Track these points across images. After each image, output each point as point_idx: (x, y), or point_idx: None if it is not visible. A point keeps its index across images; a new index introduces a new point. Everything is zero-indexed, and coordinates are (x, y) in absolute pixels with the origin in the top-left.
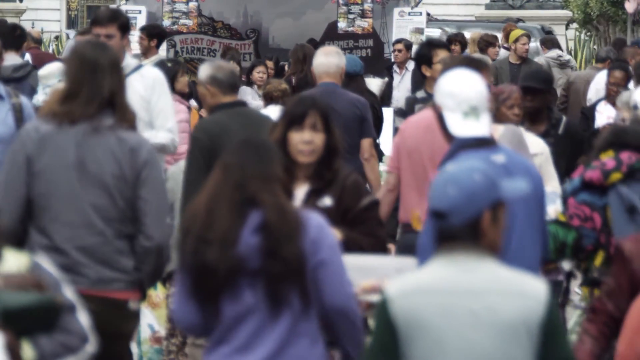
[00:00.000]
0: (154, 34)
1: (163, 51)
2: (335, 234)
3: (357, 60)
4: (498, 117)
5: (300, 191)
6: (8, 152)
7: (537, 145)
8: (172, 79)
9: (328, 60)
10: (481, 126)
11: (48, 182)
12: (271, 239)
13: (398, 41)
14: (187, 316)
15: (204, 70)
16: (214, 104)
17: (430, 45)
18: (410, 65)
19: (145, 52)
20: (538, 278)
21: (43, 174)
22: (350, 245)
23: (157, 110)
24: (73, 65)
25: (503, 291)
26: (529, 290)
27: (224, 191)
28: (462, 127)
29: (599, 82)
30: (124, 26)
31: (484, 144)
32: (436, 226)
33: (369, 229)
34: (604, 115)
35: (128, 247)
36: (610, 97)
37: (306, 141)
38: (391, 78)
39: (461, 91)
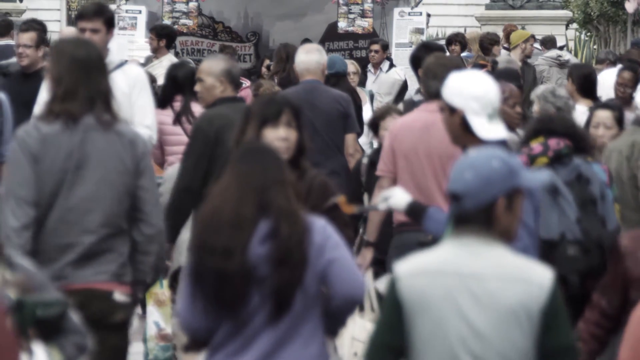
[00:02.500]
0: (163, 34)
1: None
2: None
3: (343, 61)
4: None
5: None
6: (11, 153)
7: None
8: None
9: (309, 58)
10: (503, 128)
11: (50, 181)
12: (281, 247)
13: (374, 42)
14: (193, 321)
15: (218, 64)
16: (219, 97)
17: (426, 47)
18: (385, 65)
19: (155, 52)
20: (544, 266)
21: (46, 173)
22: None
23: (137, 107)
24: (62, 64)
25: (506, 276)
26: (533, 276)
27: (246, 197)
28: (490, 130)
29: (602, 83)
30: (109, 21)
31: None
32: (451, 209)
33: (336, 229)
34: None
35: (119, 243)
36: (619, 97)
37: (282, 138)
38: (365, 78)
39: (485, 94)
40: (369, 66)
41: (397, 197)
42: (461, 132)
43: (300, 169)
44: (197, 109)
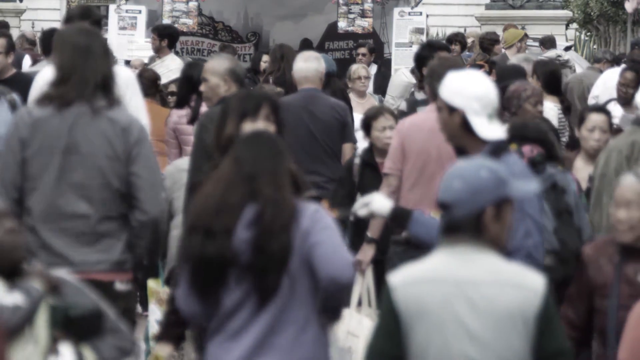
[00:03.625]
0: (165, 34)
1: None
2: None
3: (330, 60)
4: (520, 114)
5: None
6: (5, 137)
7: None
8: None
9: (307, 66)
10: (502, 128)
11: (38, 165)
12: (262, 233)
13: (361, 45)
14: (189, 306)
15: (223, 62)
16: (223, 96)
17: (431, 46)
18: (372, 69)
19: (157, 52)
20: (536, 271)
21: (34, 157)
22: None
23: (132, 107)
24: (65, 52)
25: (501, 282)
26: (527, 282)
27: (235, 184)
28: (490, 130)
29: (604, 82)
30: (96, 23)
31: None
32: (442, 218)
33: None
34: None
35: (116, 228)
36: (621, 98)
37: None
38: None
39: (486, 94)
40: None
41: (379, 203)
42: (460, 132)
43: None
44: None
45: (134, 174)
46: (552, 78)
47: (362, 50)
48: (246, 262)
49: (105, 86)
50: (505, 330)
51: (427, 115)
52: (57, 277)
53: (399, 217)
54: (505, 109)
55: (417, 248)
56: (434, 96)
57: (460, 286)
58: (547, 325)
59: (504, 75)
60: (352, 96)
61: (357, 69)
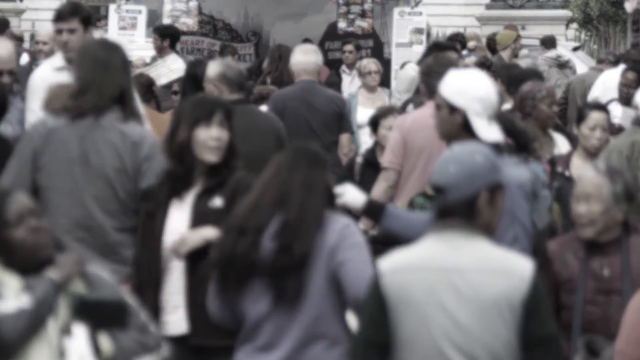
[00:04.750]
0: (166, 34)
1: None
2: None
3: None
4: (535, 115)
5: (194, 191)
6: (17, 146)
7: None
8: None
9: (306, 58)
10: (500, 131)
11: (51, 175)
12: (287, 233)
13: (347, 42)
14: (218, 310)
15: (212, 68)
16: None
17: (438, 46)
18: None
19: (159, 52)
20: (525, 257)
21: (47, 167)
22: None
23: None
24: (85, 65)
25: (488, 269)
26: (514, 268)
27: (270, 186)
28: (490, 132)
29: (603, 83)
30: (86, 20)
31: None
32: (435, 202)
33: None
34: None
35: (129, 240)
36: (622, 98)
37: (215, 138)
38: (339, 79)
39: (488, 95)
40: (343, 67)
41: (352, 195)
42: (458, 131)
43: (229, 169)
44: None
45: (142, 190)
46: (514, 82)
47: (348, 47)
48: (269, 264)
49: (123, 99)
50: (490, 318)
51: (429, 112)
52: (87, 269)
53: (372, 211)
54: (519, 109)
55: (385, 244)
56: (430, 94)
57: (447, 274)
58: (534, 311)
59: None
60: (362, 91)
61: (367, 63)
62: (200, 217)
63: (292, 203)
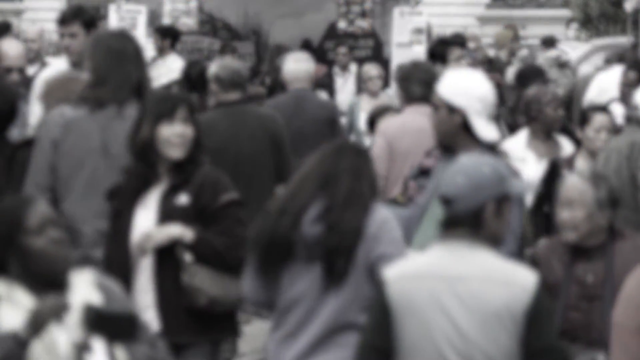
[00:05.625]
0: (167, 34)
1: None
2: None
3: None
4: (541, 119)
5: (159, 188)
6: (36, 139)
7: None
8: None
9: (298, 67)
10: (496, 130)
11: (71, 165)
12: (334, 216)
13: (341, 44)
14: (254, 292)
15: (211, 69)
16: (217, 101)
17: (444, 42)
18: (353, 67)
19: (160, 52)
20: (528, 269)
21: (67, 158)
22: (201, 246)
23: None
24: (99, 55)
25: (491, 279)
26: (516, 279)
27: (313, 175)
28: (489, 131)
29: (598, 84)
30: (88, 23)
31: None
32: (442, 213)
33: (225, 227)
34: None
35: None
36: (623, 97)
37: (178, 134)
38: (332, 81)
39: (487, 95)
40: (336, 69)
41: None
42: (457, 131)
43: (194, 164)
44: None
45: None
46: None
47: (342, 50)
48: (316, 243)
49: (140, 90)
50: (492, 327)
51: (412, 117)
52: (101, 280)
53: None
54: (524, 113)
55: None
56: (408, 100)
57: (450, 283)
58: (536, 323)
59: (527, 79)
60: (365, 96)
61: (368, 69)
62: (166, 215)
63: (339, 186)
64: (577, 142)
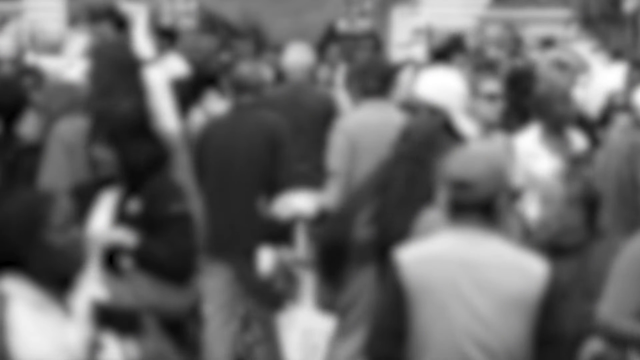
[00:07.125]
0: (166, 34)
1: None
2: None
3: None
4: (551, 115)
5: (117, 192)
6: (48, 144)
7: None
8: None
9: (298, 58)
10: (473, 125)
11: (81, 171)
12: (386, 217)
13: (335, 45)
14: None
15: (232, 70)
16: (231, 102)
17: (452, 40)
18: (342, 69)
19: (160, 52)
20: (540, 258)
21: (77, 163)
22: (142, 254)
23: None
24: (102, 65)
25: (505, 266)
26: (530, 267)
27: (370, 182)
28: (469, 126)
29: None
30: (119, 23)
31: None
32: (454, 197)
33: (170, 239)
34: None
35: None
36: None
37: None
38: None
39: (462, 90)
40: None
41: (301, 203)
42: (438, 131)
43: (149, 173)
44: (218, 106)
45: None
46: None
47: (335, 50)
48: (369, 244)
49: (140, 99)
50: (508, 312)
51: (372, 112)
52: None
53: (324, 218)
54: (535, 110)
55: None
56: (365, 92)
57: (466, 267)
58: (548, 310)
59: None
60: None
61: None
62: (117, 219)
63: (392, 191)
64: (593, 137)
